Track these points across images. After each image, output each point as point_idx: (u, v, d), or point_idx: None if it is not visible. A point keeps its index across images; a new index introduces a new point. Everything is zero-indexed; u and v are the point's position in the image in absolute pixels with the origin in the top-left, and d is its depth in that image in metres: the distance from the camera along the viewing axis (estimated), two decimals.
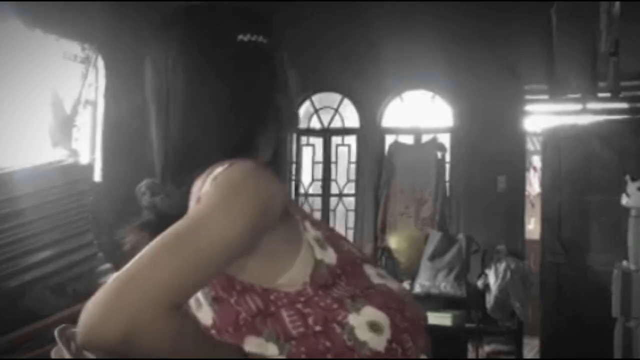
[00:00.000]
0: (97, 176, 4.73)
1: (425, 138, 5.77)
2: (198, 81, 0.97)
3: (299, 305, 0.93)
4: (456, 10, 5.34)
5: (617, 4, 4.53)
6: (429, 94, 5.83)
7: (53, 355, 2.55)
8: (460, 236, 5.13)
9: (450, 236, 5.20)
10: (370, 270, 1.01)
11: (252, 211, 0.87)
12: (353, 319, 0.93)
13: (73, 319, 2.93)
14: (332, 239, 1.00)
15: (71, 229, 4.03)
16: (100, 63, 4.76)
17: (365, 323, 0.94)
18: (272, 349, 0.92)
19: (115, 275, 0.84)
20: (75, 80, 4.62)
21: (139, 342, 0.79)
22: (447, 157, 5.65)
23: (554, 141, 5.35)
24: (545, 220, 5.27)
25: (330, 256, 0.96)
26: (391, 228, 5.72)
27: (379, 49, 5.62)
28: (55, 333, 2.57)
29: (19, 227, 3.73)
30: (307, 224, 0.98)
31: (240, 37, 0.97)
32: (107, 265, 4.16)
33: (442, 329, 4.87)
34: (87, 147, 4.74)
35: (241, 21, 0.98)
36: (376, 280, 1.00)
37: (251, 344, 0.93)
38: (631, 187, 3.12)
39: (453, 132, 5.62)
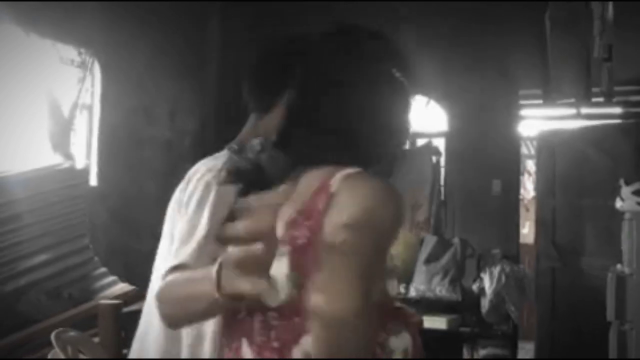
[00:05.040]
0: (93, 180, 4.73)
1: (420, 142, 5.79)
2: (351, 93, 1.12)
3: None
4: (450, 15, 5.36)
5: (611, 9, 4.56)
6: (424, 98, 5.83)
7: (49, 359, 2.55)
8: (456, 240, 5.14)
9: (445, 240, 5.21)
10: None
11: (395, 233, 1.06)
12: (393, 343, 1.00)
13: (69, 323, 2.94)
14: None
15: (67, 233, 4.03)
16: (97, 68, 4.77)
17: (402, 350, 1.02)
18: None
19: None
20: (72, 85, 4.62)
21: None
22: (442, 161, 5.66)
23: (549, 146, 5.36)
24: (540, 225, 5.28)
25: None
26: None
27: None
28: (52, 337, 2.58)
29: (14, 231, 3.72)
30: None
31: (395, 72, 1.15)
32: (103, 270, 4.16)
33: (437, 332, 4.88)
34: (82, 152, 4.74)
35: (396, 59, 1.17)
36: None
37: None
38: (625, 191, 3.14)
39: (448, 136, 5.63)
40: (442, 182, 5.63)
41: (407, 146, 1.35)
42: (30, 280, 3.69)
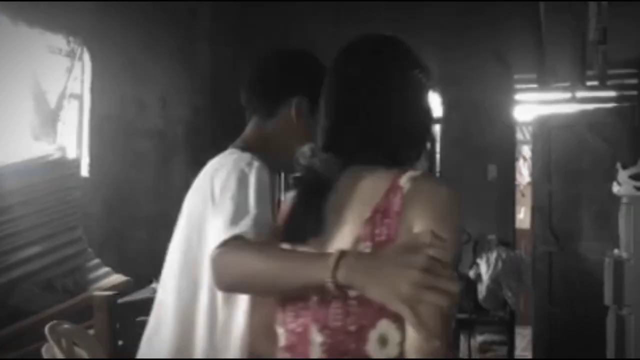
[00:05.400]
0: (85, 171, 4.68)
1: None
2: (391, 96, 1.26)
3: None
4: (445, 0, 5.32)
5: None
6: None
7: (44, 352, 2.52)
8: None
9: None
10: None
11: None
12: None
13: (63, 316, 2.87)
14: None
15: (60, 225, 3.99)
16: (86, 56, 4.70)
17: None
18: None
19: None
20: (60, 74, 4.56)
21: None
22: (437, 147, 5.64)
23: (544, 130, 5.34)
24: (536, 210, 5.27)
25: None
26: None
27: None
28: (46, 330, 2.55)
29: (6, 223, 3.68)
30: None
31: (417, 72, 1.30)
32: (97, 261, 4.12)
33: None
34: (74, 142, 4.68)
35: (417, 61, 1.32)
36: None
37: None
38: (622, 175, 3.12)
39: (443, 122, 5.60)
40: (437, 168, 5.60)
41: None
42: (23, 272, 3.65)
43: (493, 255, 4.81)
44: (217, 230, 1.26)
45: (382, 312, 1.07)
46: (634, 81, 5.06)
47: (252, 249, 1.19)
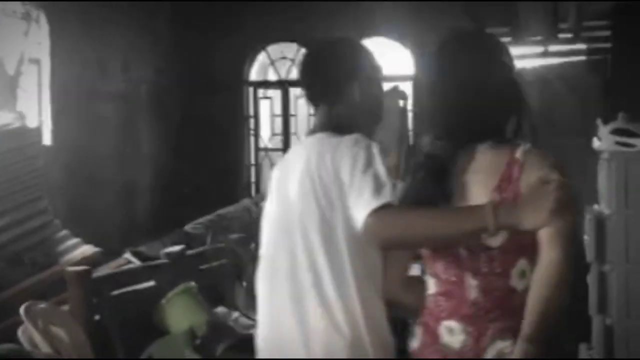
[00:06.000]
0: (47, 139, 4.50)
1: (387, 86, 5.65)
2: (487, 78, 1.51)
3: None
4: None
5: None
6: (390, 41, 5.70)
7: (20, 334, 2.41)
8: None
9: None
10: None
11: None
12: None
13: (32, 291, 2.74)
14: None
15: (23, 196, 3.84)
16: (43, 19, 4.47)
17: None
18: None
19: None
20: (17, 38, 4.33)
21: None
22: (410, 106, 5.55)
23: None
24: None
25: None
26: None
27: None
28: (21, 311, 2.44)
29: None
30: None
31: (507, 59, 1.56)
32: (65, 232, 3.98)
33: None
34: (34, 110, 4.48)
35: (506, 50, 1.58)
36: None
37: None
38: (603, 130, 3.06)
39: (415, 79, 5.51)
40: (410, 127, 5.52)
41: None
42: None
43: None
44: (363, 203, 1.50)
45: (519, 254, 1.46)
46: (606, 33, 5.02)
47: (411, 211, 1.49)
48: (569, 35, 4.89)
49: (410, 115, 5.55)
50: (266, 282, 1.73)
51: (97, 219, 4.76)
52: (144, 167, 5.48)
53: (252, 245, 3.63)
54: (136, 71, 5.44)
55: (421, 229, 1.44)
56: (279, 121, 6.30)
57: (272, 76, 6.40)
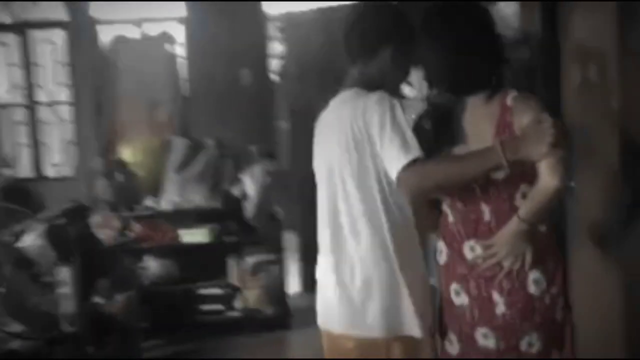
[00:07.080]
0: None
1: (155, 31, 4.95)
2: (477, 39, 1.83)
3: None
4: None
5: None
6: None
7: None
8: (208, 141, 4.56)
9: (196, 142, 4.61)
10: None
11: None
12: None
13: None
14: None
15: None
16: None
17: None
18: None
19: None
20: None
21: None
22: (183, 52, 4.92)
23: (293, 27, 4.96)
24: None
25: None
26: (122, 138, 4.91)
27: None
28: None
29: None
30: None
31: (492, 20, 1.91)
32: None
33: (199, 246, 4.37)
34: None
35: (489, 13, 1.92)
36: None
37: None
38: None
39: (186, 22, 4.89)
40: (185, 75, 4.91)
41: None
42: None
43: (258, 169, 4.38)
44: (394, 160, 1.71)
45: (520, 179, 1.78)
46: None
47: (439, 161, 1.79)
48: None
49: (184, 63, 4.94)
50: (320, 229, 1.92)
51: None
52: None
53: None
54: None
55: (447, 176, 1.73)
56: (17, 71, 5.33)
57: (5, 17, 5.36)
